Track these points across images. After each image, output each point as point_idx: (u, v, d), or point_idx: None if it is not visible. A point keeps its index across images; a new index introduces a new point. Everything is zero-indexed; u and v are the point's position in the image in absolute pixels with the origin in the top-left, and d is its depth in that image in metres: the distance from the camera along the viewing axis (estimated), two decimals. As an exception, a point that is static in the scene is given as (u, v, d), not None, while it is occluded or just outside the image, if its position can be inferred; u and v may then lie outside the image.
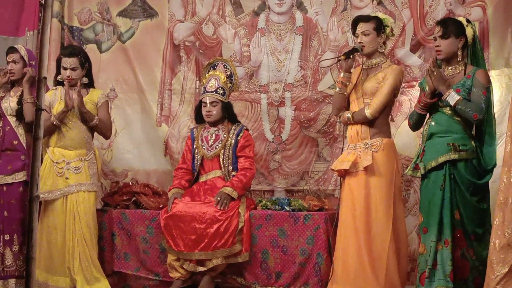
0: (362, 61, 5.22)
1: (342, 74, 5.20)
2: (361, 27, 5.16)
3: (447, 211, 4.80)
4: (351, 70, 5.25)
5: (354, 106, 5.22)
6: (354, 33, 5.25)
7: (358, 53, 5.20)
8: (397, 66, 5.34)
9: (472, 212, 4.86)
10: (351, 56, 5.15)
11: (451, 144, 4.85)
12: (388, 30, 5.22)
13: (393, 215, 5.06)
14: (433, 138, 4.93)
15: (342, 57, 5.16)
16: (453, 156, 4.83)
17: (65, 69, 5.72)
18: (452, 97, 4.78)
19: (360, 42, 5.16)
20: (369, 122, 5.14)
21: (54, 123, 5.66)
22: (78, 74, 5.76)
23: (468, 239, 4.82)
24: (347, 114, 5.21)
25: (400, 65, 5.57)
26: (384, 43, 5.25)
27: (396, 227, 5.09)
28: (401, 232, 5.15)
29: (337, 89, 5.26)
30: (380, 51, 5.24)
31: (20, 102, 5.84)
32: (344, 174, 5.19)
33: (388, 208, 5.05)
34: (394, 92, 5.18)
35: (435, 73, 4.81)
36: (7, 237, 5.79)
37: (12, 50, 5.97)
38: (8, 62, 5.96)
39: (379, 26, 5.19)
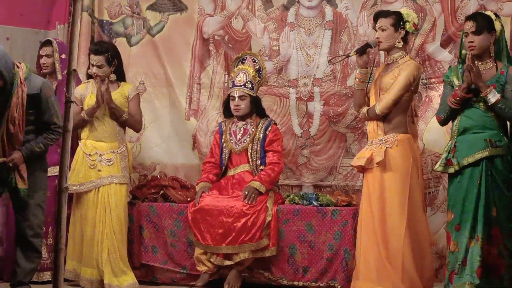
0: (382, 58, 5.20)
1: (358, 71, 5.21)
2: (379, 22, 5.18)
3: (482, 207, 4.76)
4: (373, 67, 5.27)
5: (372, 102, 5.23)
6: (374, 28, 5.27)
7: (372, 49, 5.19)
8: (412, 61, 5.28)
9: (509, 208, 4.82)
10: (365, 52, 5.16)
11: (488, 140, 4.80)
12: (408, 25, 5.20)
13: (411, 210, 5.05)
14: (467, 133, 4.89)
15: (352, 53, 5.15)
16: (491, 152, 4.79)
17: (93, 66, 5.76)
18: (493, 95, 4.73)
19: (377, 38, 5.17)
20: (384, 118, 5.15)
21: (85, 118, 5.71)
22: (104, 71, 5.77)
23: (505, 236, 4.78)
24: (364, 110, 5.23)
25: (416, 60, 5.49)
26: (403, 38, 5.22)
27: (415, 224, 5.08)
28: (422, 228, 5.14)
29: (355, 85, 5.30)
30: (398, 46, 5.21)
31: None
32: (362, 170, 5.21)
33: (402, 204, 5.03)
34: (409, 88, 5.14)
35: (474, 69, 4.75)
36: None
37: (46, 43, 6.01)
38: (41, 56, 6.00)
39: (398, 21, 5.18)
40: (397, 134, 5.12)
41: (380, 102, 5.11)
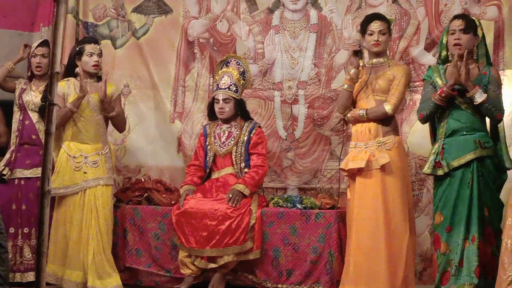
0: (363, 61, 5.21)
1: (352, 71, 5.16)
2: (378, 26, 5.17)
3: (476, 208, 4.78)
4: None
5: (364, 104, 5.21)
6: (364, 30, 5.23)
7: (363, 46, 5.21)
8: (407, 66, 5.40)
9: (499, 208, 4.86)
10: (361, 52, 5.18)
11: (477, 141, 4.84)
12: (392, 31, 5.30)
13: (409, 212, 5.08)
14: (456, 135, 4.91)
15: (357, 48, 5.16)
16: (481, 153, 4.82)
17: (92, 55, 5.73)
18: (480, 95, 4.77)
19: (376, 40, 5.15)
20: (381, 120, 5.13)
21: (73, 110, 5.63)
22: (101, 61, 5.79)
23: (497, 236, 4.79)
24: (360, 111, 5.17)
25: (408, 64, 5.61)
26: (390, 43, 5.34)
27: (410, 225, 5.09)
28: (412, 229, 5.14)
29: (346, 86, 5.22)
30: (388, 50, 5.32)
31: (44, 99, 5.84)
32: (355, 173, 5.15)
33: (404, 206, 5.05)
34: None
35: (466, 67, 4.78)
36: (26, 230, 5.84)
37: (42, 44, 5.96)
38: (36, 55, 5.96)
39: (390, 27, 5.26)
40: (395, 136, 5.16)
41: (390, 103, 5.10)
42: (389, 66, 5.20)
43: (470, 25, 4.91)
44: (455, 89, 4.83)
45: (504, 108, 5.01)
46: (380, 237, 4.99)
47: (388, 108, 5.09)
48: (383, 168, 5.03)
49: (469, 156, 4.83)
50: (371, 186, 5.08)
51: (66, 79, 5.81)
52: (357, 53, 5.14)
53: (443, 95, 4.87)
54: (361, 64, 5.14)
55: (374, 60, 5.23)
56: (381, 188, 5.05)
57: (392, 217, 5.01)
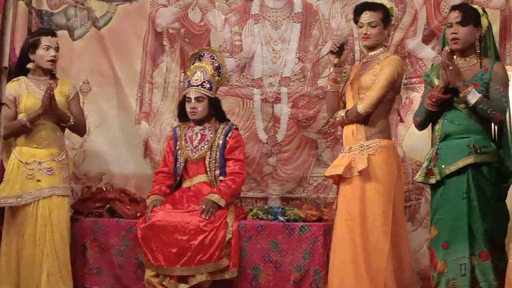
0: (339, 59, 5.00)
1: (331, 69, 5.05)
2: (368, 17, 4.96)
3: (478, 221, 4.59)
4: (347, 67, 5.23)
5: (350, 104, 5.05)
6: (356, 20, 5.04)
7: (347, 46, 5.05)
8: (395, 56, 5.19)
9: (502, 220, 4.71)
10: (343, 50, 5.00)
11: (471, 146, 4.63)
12: (393, 20, 5.11)
13: (394, 226, 4.85)
14: (449, 139, 4.71)
15: (335, 60, 4.99)
16: (476, 159, 4.61)
17: (49, 48, 5.50)
18: (473, 95, 4.57)
19: (365, 34, 4.95)
20: (366, 122, 4.94)
21: (27, 126, 5.40)
22: (58, 56, 5.60)
23: (500, 252, 4.63)
24: (342, 113, 5.02)
25: (398, 56, 5.42)
26: (389, 35, 5.12)
27: (398, 240, 4.88)
28: (403, 245, 4.95)
29: (329, 87, 5.11)
30: (385, 44, 5.09)
31: None
32: (338, 180, 4.98)
33: (386, 218, 4.82)
34: (393, 86, 4.97)
35: (451, 67, 4.59)
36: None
37: None
38: None
39: (387, 16, 5.01)
40: (381, 140, 4.92)
41: (362, 101, 4.89)
42: (379, 59, 5.01)
43: (468, 16, 4.70)
44: (449, 90, 4.66)
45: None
46: (358, 252, 4.82)
47: (359, 107, 4.90)
48: (363, 175, 4.86)
49: (461, 163, 4.64)
50: (351, 195, 4.92)
51: (16, 78, 5.56)
52: (336, 52, 4.98)
53: (433, 99, 4.71)
54: (335, 62, 5.00)
55: (370, 54, 5.06)
56: (360, 198, 4.87)
57: (371, 230, 4.83)
